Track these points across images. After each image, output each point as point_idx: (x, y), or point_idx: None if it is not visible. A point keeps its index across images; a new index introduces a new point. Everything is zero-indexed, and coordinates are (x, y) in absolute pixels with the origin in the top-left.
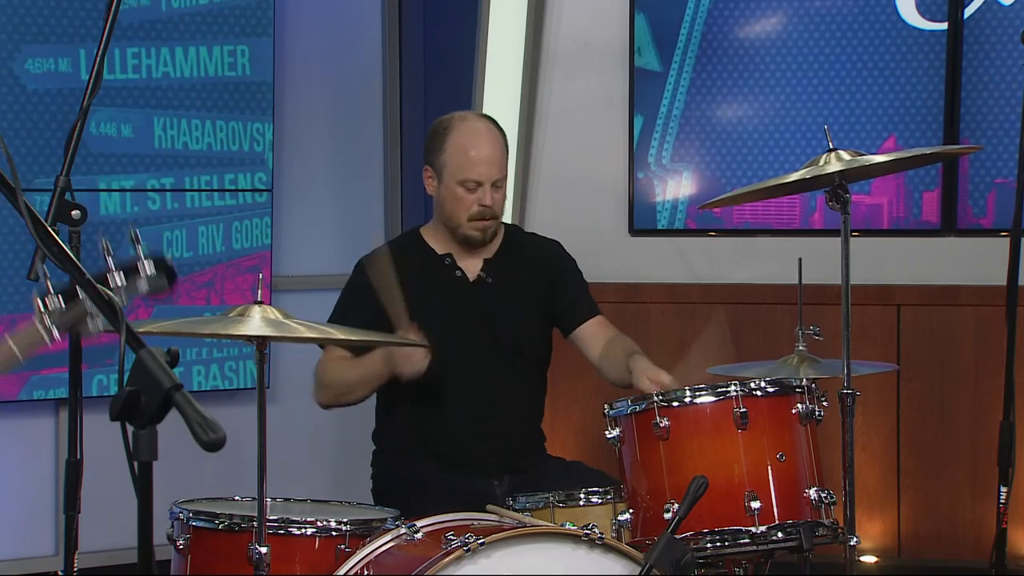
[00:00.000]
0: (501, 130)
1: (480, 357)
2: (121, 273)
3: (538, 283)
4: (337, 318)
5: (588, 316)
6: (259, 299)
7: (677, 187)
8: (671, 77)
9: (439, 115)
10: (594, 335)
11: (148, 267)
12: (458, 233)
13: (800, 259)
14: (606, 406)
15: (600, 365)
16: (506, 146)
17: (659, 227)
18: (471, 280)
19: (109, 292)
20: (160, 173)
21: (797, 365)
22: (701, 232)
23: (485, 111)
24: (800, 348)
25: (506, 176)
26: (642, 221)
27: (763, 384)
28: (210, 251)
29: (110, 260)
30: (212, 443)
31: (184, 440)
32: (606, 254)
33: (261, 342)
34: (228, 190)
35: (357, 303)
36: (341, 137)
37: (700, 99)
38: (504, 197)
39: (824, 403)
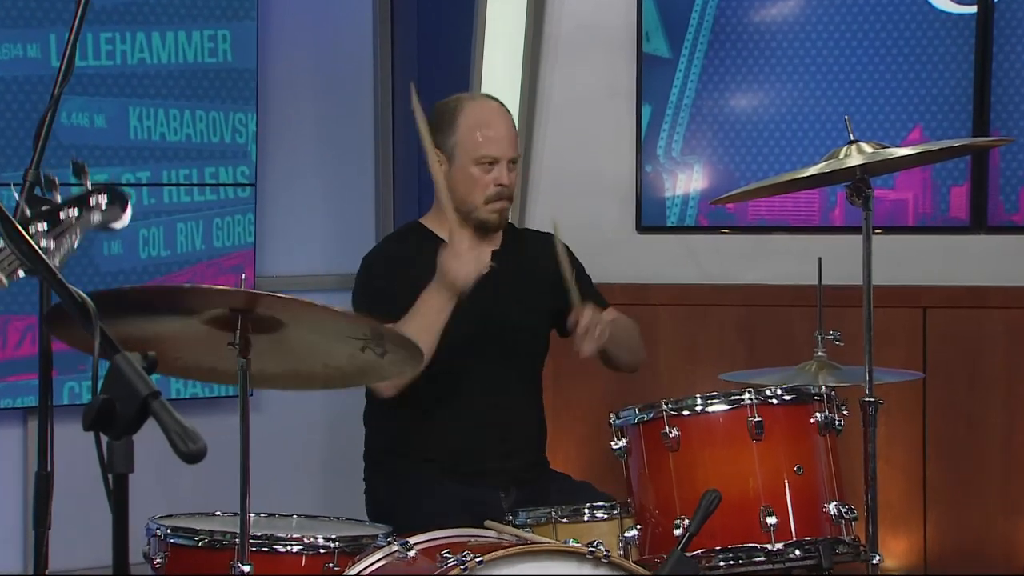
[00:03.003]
0: (508, 109)
1: (490, 352)
2: (73, 209)
3: (543, 278)
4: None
5: (601, 308)
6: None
7: (687, 181)
8: (681, 64)
9: (432, 105)
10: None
11: (100, 199)
12: (473, 218)
13: (819, 258)
14: (611, 415)
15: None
16: (515, 127)
17: (668, 224)
18: (482, 272)
19: (81, 294)
20: (136, 166)
21: (816, 372)
22: (713, 229)
23: (484, 86)
24: (819, 354)
25: (520, 156)
26: (650, 218)
27: (779, 392)
28: (189, 250)
29: (58, 195)
30: (192, 454)
31: (162, 451)
32: (612, 253)
33: (244, 347)
34: (208, 185)
35: (379, 303)
36: (329, 128)
37: (712, 87)
38: (516, 179)
39: (844, 412)
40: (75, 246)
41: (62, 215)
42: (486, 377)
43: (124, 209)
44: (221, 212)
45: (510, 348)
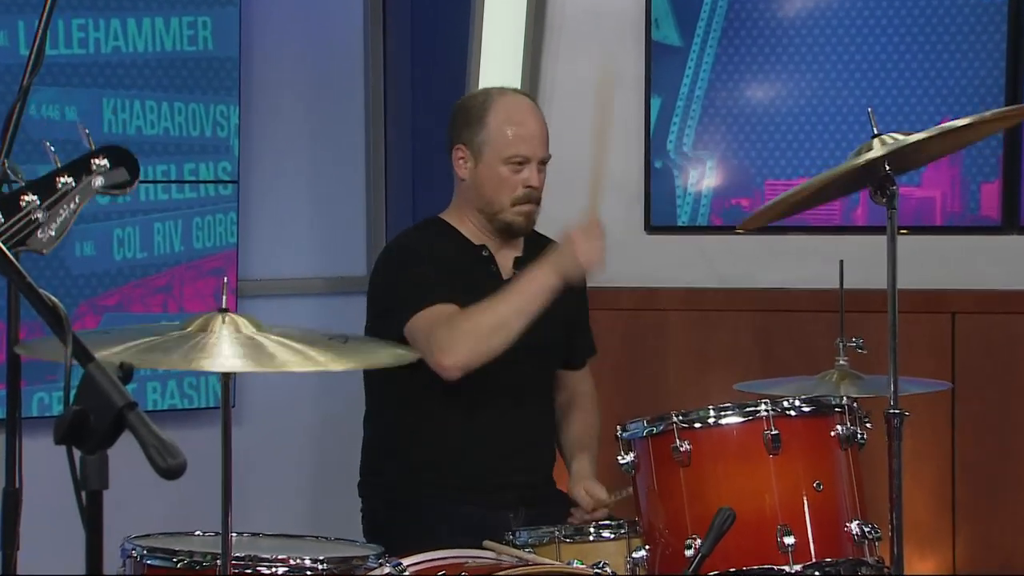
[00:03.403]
0: (539, 108)
1: (509, 360)
2: (70, 176)
3: (562, 292)
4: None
5: (585, 358)
6: (223, 306)
7: (700, 178)
8: (693, 53)
9: (428, 96)
10: (573, 381)
11: (102, 163)
12: (498, 220)
13: (841, 261)
14: (618, 428)
15: (556, 415)
16: (547, 125)
17: (679, 223)
18: (504, 278)
19: (53, 298)
20: None
21: (837, 382)
22: (727, 229)
23: (481, 83)
24: (840, 362)
25: (550, 157)
26: (660, 217)
27: (798, 403)
28: (167, 251)
29: (52, 154)
30: (171, 470)
31: (139, 466)
32: (618, 254)
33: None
34: (188, 181)
35: (436, 272)
36: (318, 121)
37: (727, 77)
38: (544, 180)
39: (868, 425)
40: (73, 215)
41: (59, 182)
42: (504, 387)
43: (133, 172)
44: (201, 211)
45: (530, 358)
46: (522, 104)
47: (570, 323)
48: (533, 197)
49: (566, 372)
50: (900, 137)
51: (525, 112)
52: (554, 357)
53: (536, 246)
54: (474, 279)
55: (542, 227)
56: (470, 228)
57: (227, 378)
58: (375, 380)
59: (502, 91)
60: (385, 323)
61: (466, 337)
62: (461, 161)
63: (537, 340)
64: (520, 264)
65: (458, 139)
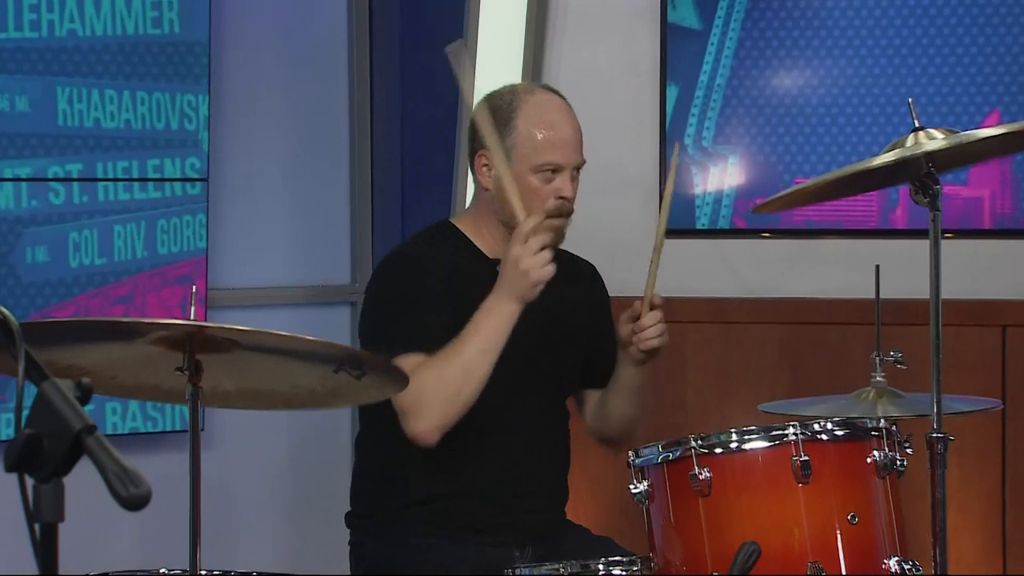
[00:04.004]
0: (572, 108)
1: (522, 384)
2: None
3: (584, 312)
4: (408, 334)
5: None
6: (192, 317)
7: (721, 176)
8: (713, 36)
9: (419, 85)
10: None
11: None
12: None
13: (877, 267)
14: (631, 453)
15: (595, 426)
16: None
17: (698, 227)
18: None
19: (2, 309)
20: (65, 157)
21: (874, 401)
22: (751, 233)
23: (478, 80)
24: (877, 379)
25: (585, 163)
26: (677, 219)
27: (830, 426)
28: (128, 257)
29: None
30: (134, 500)
31: (99, 496)
32: (631, 260)
33: (194, 373)
34: (152, 179)
35: (431, 302)
36: (297, 113)
37: (751, 64)
38: (578, 187)
39: (908, 450)
40: None
41: None
42: (514, 415)
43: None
44: (167, 212)
45: (544, 384)
46: (554, 104)
47: (593, 342)
48: (565, 210)
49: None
50: (944, 135)
51: (558, 113)
52: (568, 383)
53: (559, 267)
54: (486, 297)
55: None
56: (487, 240)
57: (195, 399)
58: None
59: (530, 89)
60: (377, 348)
61: (433, 397)
62: (485, 169)
63: (549, 366)
64: None
65: (481, 143)
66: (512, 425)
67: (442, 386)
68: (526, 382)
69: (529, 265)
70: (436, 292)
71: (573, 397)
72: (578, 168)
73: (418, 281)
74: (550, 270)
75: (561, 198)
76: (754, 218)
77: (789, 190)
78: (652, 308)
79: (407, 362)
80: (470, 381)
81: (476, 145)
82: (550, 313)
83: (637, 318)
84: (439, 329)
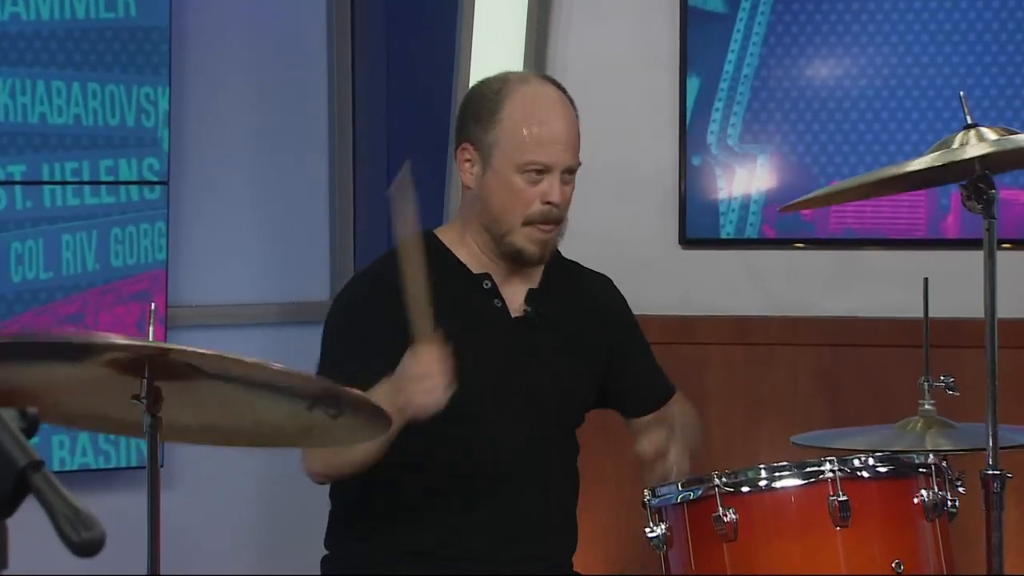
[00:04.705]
0: (572, 101)
1: (517, 420)
2: None
3: (594, 334)
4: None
5: (666, 396)
6: (150, 338)
7: (748, 179)
8: (740, 22)
9: (406, 76)
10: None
11: None
12: (505, 243)
13: (926, 281)
14: (647, 492)
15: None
16: (578, 124)
17: (722, 236)
18: (512, 316)
19: None
20: (7, 158)
21: (922, 432)
22: (783, 243)
23: (473, 72)
24: (926, 407)
25: (579, 165)
26: (698, 227)
27: (872, 461)
28: (78, 270)
29: None
30: (85, 544)
31: (47, 540)
32: (647, 274)
33: (153, 403)
34: (105, 183)
35: (364, 347)
36: (269, 108)
37: (782, 52)
38: (571, 195)
39: (960, 489)
40: None
41: None
42: (512, 451)
43: None
44: (122, 220)
45: (545, 417)
46: (547, 96)
47: (617, 367)
48: (552, 216)
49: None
50: (1000, 133)
51: (549, 106)
52: (575, 414)
53: (559, 276)
54: (473, 319)
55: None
56: (471, 251)
57: (154, 431)
58: None
59: (524, 78)
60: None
61: (317, 456)
62: (467, 164)
63: (550, 396)
64: (535, 299)
65: (465, 135)
66: (510, 464)
67: (325, 456)
68: (524, 416)
69: (412, 396)
70: (380, 332)
71: (628, 426)
72: (571, 171)
73: (364, 315)
74: (441, 400)
75: (548, 203)
76: (785, 226)
77: (823, 190)
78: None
79: None
80: (347, 459)
81: (459, 137)
82: (552, 336)
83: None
84: (378, 369)
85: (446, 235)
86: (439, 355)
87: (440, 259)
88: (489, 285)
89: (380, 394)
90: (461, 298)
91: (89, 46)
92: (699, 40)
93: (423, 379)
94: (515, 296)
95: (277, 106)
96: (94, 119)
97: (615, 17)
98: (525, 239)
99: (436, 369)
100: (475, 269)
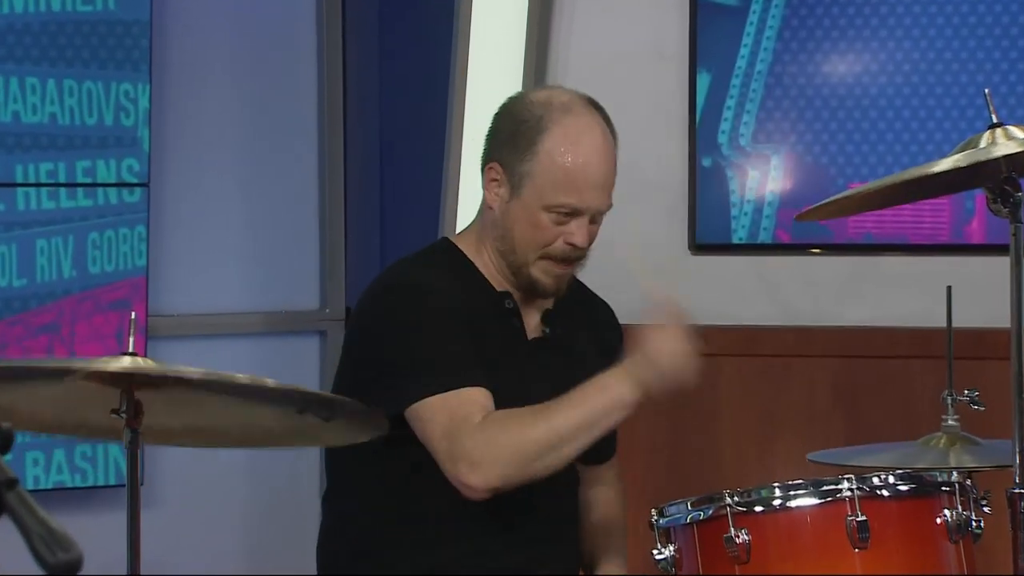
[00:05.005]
0: (614, 133)
1: None
2: None
3: (596, 358)
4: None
5: (610, 454)
6: (130, 349)
7: (762, 181)
8: (753, 14)
9: (400, 72)
10: (600, 482)
11: None
12: (521, 273)
13: (949, 289)
14: (654, 512)
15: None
16: (616, 161)
17: (734, 241)
18: (528, 337)
19: None
20: None
21: (945, 449)
22: (799, 249)
23: (471, 68)
24: (949, 423)
25: (610, 207)
26: (709, 232)
27: (892, 479)
28: (53, 277)
29: None
30: (62, 566)
31: (22, 561)
32: (657, 279)
33: (133, 417)
34: (82, 185)
35: (452, 333)
36: (255, 106)
37: (797, 47)
38: (597, 233)
39: (985, 509)
40: None
41: None
42: (541, 483)
43: None
44: (100, 224)
45: None
46: (591, 132)
47: None
48: (572, 257)
49: (592, 476)
50: None
51: (592, 146)
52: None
53: (572, 301)
54: (491, 337)
55: None
56: (487, 266)
57: (134, 447)
58: (343, 450)
59: (567, 107)
60: (374, 391)
61: (506, 453)
62: (494, 184)
63: None
64: (550, 321)
65: (497, 156)
66: (535, 492)
67: (519, 447)
68: None
69: (672, 354)
70: (453, 323)
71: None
72: (601, 213)
73: (436, 310)
74: (692, 378)
75: (570, 244)
76: (801, 231)
77: (841, 195)
78: None
79: (463, 399)
80: (552, 456)
81: (490, 154)
82: (565, 360)
83: None
84: (471, 360)
85: (464, 245)
86: (687, 329)
87: (464, 271)
88: (511, 305)
89: (626, 376)
90: (484, 314)
91: (65, 40)
92: (710, 34)
93: (678, 354)
94: (532, 317)
95: (264, 104)
96: (70, 118)
97: (621, 9)
98: (541, 272)
99: (687, 344)
100: (497, 286)
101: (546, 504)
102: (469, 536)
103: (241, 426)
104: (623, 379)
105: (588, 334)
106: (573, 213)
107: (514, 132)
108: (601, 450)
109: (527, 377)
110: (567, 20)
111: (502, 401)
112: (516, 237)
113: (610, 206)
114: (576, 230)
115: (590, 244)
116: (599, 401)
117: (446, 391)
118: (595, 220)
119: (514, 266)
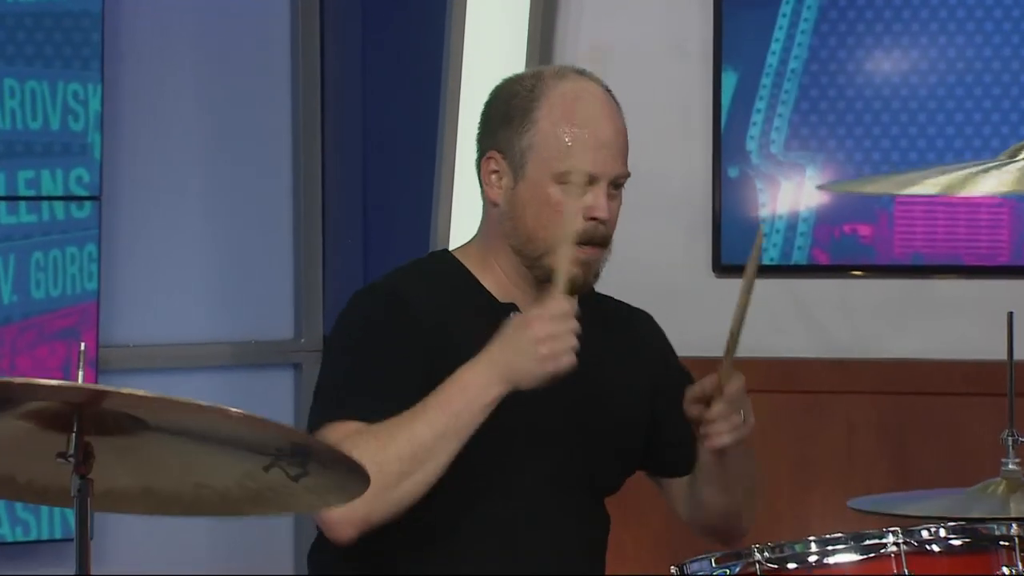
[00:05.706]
0: (617, 101)
1: (541, 473)
2: None
3: (638, 380)
4: (360, 392)
5: (694, 460)
6: (80, 383)
7: (796, 193)
8: (785, 6)
9: (386, 75)
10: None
11: None
12: (540, 266)
13: (1011, 315)
14: (674, 569)
15: (690, 515)
16: (626, 128)
17: (765, 261)
18: None
19: None
20: None
21: (1004, 497)
22: (838, 271)
23: (465, 72)
24: (1010, 467)
25: (628, 176)
26: (735, 252)
27: (944, 532)
28: None
29: None
30: None
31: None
32: (675, 305)
33: (82, 462)
34: (25, 198)
35: (398, 359)
36: (221, 109)
37: (836, 43)
38: (619, 211)
39: None
40: None
41: None
42: (550, 518)
43: None
44: (44, 243)
45: (586, 477)
46: (590, 93)
47: (659, 418)
48: (598, 235)
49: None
50: None
51: (594, 105)
52: (607, 477)
53: (591, 310)
54: (480, 351)
55: None
56: (496, 277)
57: (84, 495)
58: None
59: (560, 73)
60: (312, 409)
61: (370, 491)
62: (493, 176)
63: (580, 456)
64: None
65: (492, 142)
66: (521, 533)
67: (377, 469)
68: (548, 474)
69: (550, 347)
70: (409, 347)
71: (657, 486)
72: (618, 183)
73: (390, 327)
74: (568, 363)
75: (593, 219)
76: (840, 251)
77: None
78: (723, 391)
79: (336, 430)
80: (416, 472)
81: (484, 145)
82: (587, 383)
83: (706, 399)
84: (400, 397)
85: (466, 258)
86: (563, 313)
87: (462, 284)
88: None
89: (484, 366)
90: (482, 329)
91: (6, 35)
92: (737, 28)
93: (543, 342)
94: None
95: (231, 107)
96: (11, 122)
97: (637, 3)
98: (566, 262)
99: (559, 330)
100: (501, 297)
101: (547, 563)
102: (469, 546)
103: (194, 487)
104: (483, 370)
105: (624, 352)
106: (588, 180)
107: (506, 111)
108: (678, 462)
109: (530, 397)
110: (574, 11)
111: (498, 420)
112: (529, 223)
113: (627, 174)
114: (595, 200)
115: (613, 221)
116: (461, 400)
117: (330, 422)
118: (613, 194)
119: (532, 260)
